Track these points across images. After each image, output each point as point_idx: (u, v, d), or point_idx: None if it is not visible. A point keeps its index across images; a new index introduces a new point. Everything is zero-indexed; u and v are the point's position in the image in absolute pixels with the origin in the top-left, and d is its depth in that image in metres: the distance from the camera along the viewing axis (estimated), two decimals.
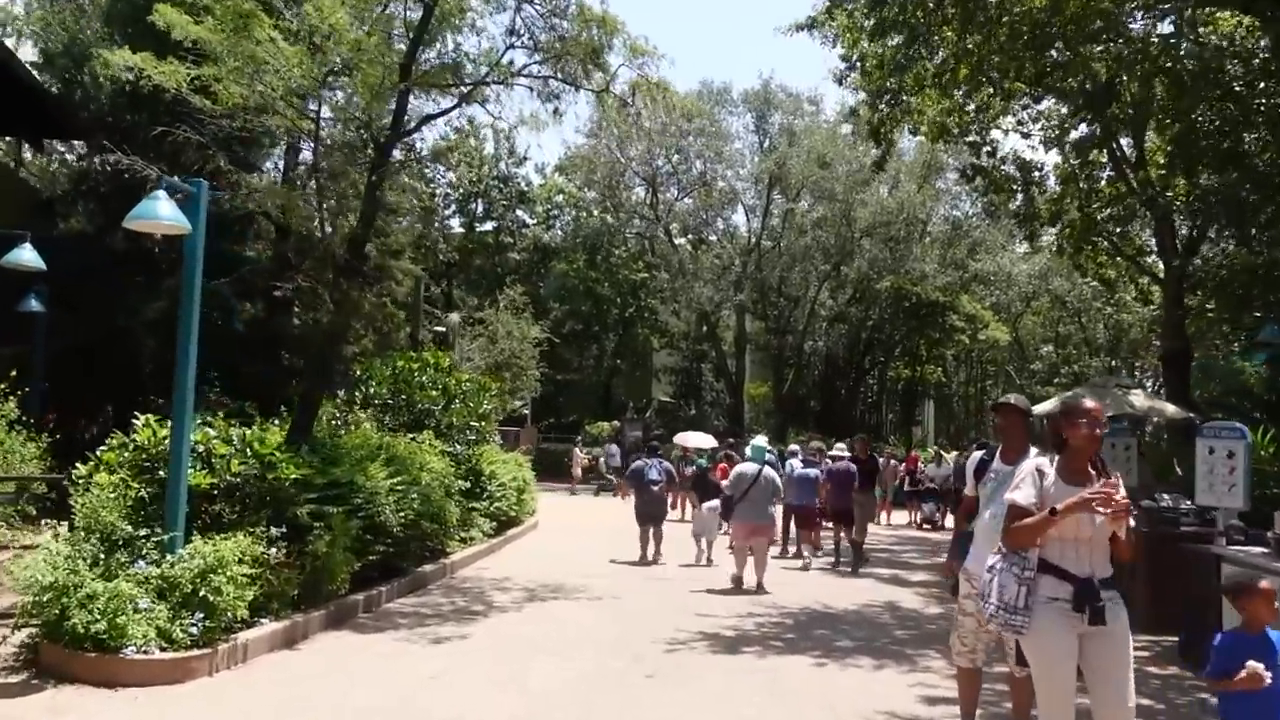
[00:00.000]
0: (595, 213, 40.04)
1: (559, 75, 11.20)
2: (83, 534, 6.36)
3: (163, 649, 5.81)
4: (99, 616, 5.69)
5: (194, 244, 6.63)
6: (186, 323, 6.58)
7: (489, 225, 47.16)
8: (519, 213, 47.15)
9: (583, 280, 44.33)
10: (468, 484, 12.83)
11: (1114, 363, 38.87)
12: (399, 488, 9.38)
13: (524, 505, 15.68)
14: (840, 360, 41.95)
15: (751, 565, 10.73)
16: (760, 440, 12.18)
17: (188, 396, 6.56)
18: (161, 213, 6.18)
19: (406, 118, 11.35)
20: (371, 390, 13.40)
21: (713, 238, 42.47)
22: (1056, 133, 17.78)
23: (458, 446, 13.24)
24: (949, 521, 18.79)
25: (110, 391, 14.29)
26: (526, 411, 38.99)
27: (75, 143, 17.48)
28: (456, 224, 47.48)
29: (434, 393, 13.44)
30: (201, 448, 7.15)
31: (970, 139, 17.79)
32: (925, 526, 19.84)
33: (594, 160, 38.31)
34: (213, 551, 6.39)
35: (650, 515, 13.09)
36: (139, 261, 15.05)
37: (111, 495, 6.57)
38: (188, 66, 8.99)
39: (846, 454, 14.06)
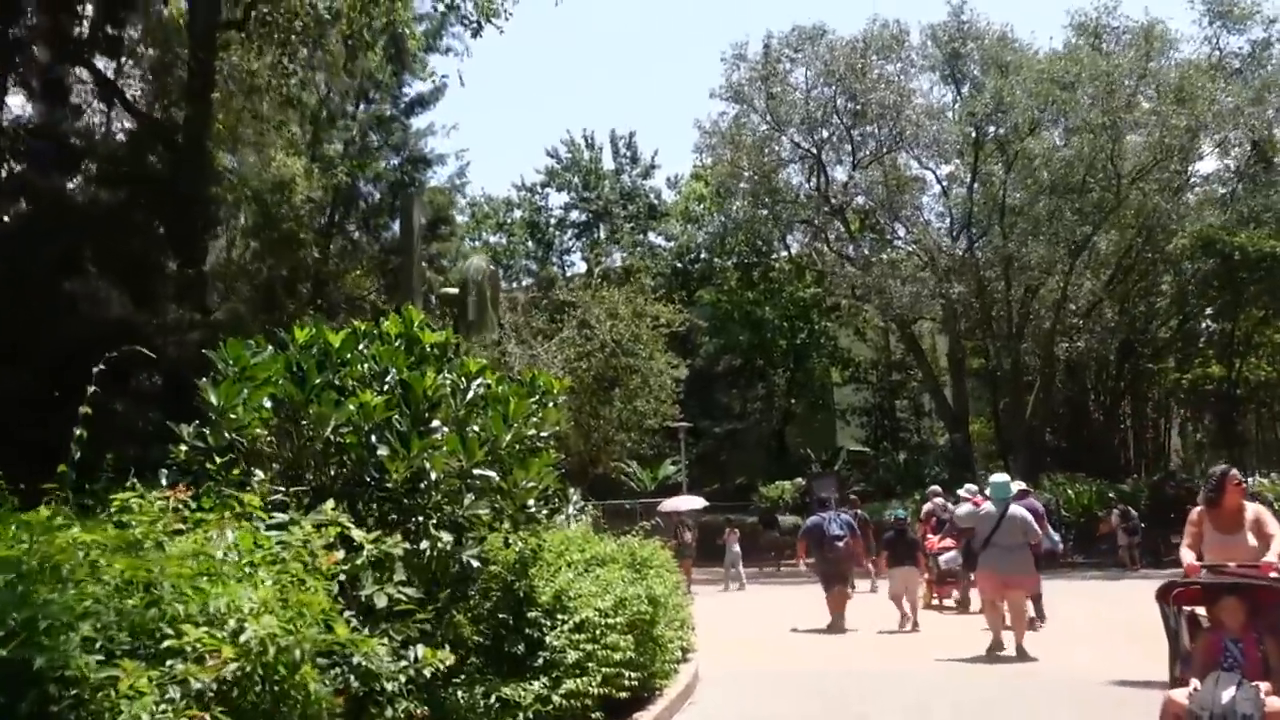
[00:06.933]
0: (743, 208, 30.79)
1: None
2: None
3: None
4: None
5: None
6: None
7: (616, 257, 38.87)
8: (650, 235, 38.74)
9: (736, 305, 35.00)
10: (479, 636, 3.81)
11: None
12: None
13: (659, 652, 6.35)
14: (1105, 367, 30.39)
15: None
16: (999, 476, 10.47)
17: None
18: None
19: None
20: (222, 406, 4.54)
21: (900, 230, 32.08)
22: None
23: (445, 537, 4.22)
24: None
25: None
26: (682, 478, 29.66)
27: None
28: (578, 259, 39.59)
29: (372, 398, 4.41)
30: None
31: None
32: None
33: (737, 139, 28.99)
34: None
35: (836, 575, 11.74)
36: None
37: None
38: None
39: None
